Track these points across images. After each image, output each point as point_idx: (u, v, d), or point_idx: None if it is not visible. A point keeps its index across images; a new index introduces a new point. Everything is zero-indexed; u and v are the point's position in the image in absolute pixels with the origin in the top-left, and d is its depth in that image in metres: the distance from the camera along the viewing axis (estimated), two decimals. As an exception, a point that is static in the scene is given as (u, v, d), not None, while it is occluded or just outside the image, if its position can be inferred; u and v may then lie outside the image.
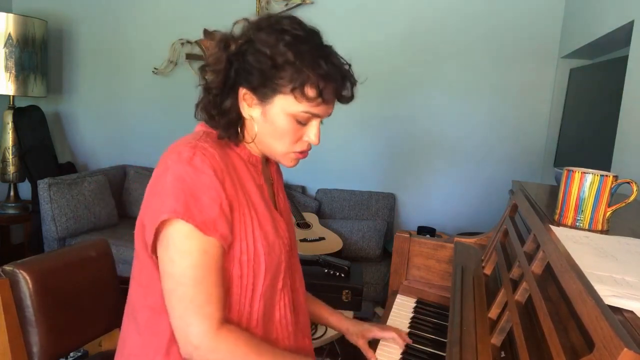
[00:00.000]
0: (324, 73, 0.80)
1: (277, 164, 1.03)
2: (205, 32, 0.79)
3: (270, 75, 0.80)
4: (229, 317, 0.83)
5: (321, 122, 0.88)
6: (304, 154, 0.89)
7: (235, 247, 0.81)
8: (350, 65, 0.87)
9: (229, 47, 0.83)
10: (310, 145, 0.89)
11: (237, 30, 0.84)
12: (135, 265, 0.87)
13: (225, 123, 0.84)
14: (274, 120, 0.83)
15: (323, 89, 0.80)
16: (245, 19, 0.84)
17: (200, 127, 0.89)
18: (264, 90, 0.81)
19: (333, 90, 0.83)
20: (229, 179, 0.80)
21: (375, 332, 1.09)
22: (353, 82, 0.87)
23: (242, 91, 0.83)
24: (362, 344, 1.08)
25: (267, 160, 0.98)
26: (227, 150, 0.86)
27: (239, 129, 0.87)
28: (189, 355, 0.77)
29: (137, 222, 0.83)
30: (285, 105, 0.82)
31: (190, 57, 3.11)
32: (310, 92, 0.80)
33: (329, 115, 0.88)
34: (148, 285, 0.84)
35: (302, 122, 0.84)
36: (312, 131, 0.87)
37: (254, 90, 0.82)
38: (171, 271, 0.77)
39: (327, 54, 0.82)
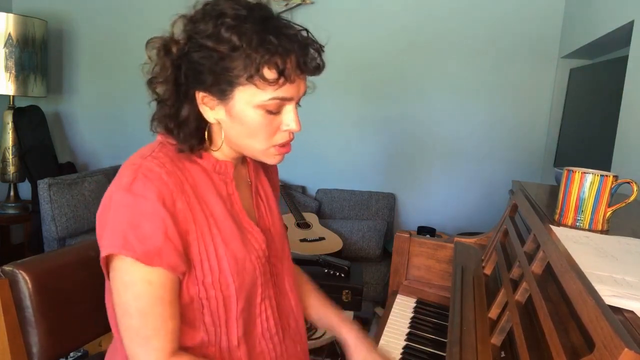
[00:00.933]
0: (278, 48, 0.70)
1: (254, 161, 0.92)
2: (147, 42, 0.72)
3: (221, 69, 0.71)
4: (208, 339, 0.79)
5: (298, 104, 0.79)
6: (286, 146, 0.80)
7: (197, 269, 0.76)
8: (307, 31, 0.76)
9: (171, 51, 0.74)
10: (293, 135, 0.79)
11: (178, 30, 0.75)
12: (106, 283, 0.84)
13: (186, 135, 0.76)
14: (241, 117, 0.74)
15: (283, 67, 0.70)
16: (182, 15, 0.75)
17: (160, 137, 0.80)
18: (220, 87, 0.72)
19: (295, 65, 0.72)
20: (183, 199, 0.73)
21: None
22: (317, 49, 0.76)
23: (199, 95, 0.75)
24: None
25: (243, 160, 0.90)
26: (185, 164, 0.77)
27: (205, 137, 0.78)
28: None
29: None
30: (248, 98, 0.73)
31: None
32: (270, 74, 0.70)
33: (303, 94, 0.79)
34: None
35: (274, 111, 0.75)
36: (288, 117, 0.77)
37: (209, 90, 0.73)
38: (117, 302, 0.74)
39: (275, 26, 0.72)
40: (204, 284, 0.76)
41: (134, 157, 0.76)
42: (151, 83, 0.78)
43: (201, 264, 0.76)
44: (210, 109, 0.76)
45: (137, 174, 0.71)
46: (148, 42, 0.77)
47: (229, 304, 0.79)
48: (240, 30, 0.70)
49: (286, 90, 0.74)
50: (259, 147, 0.78)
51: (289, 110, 0.77)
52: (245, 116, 0.74)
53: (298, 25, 0.76)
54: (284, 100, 0.75)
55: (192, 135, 0.77)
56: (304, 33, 0.76)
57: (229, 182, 0.83)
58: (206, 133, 0.79)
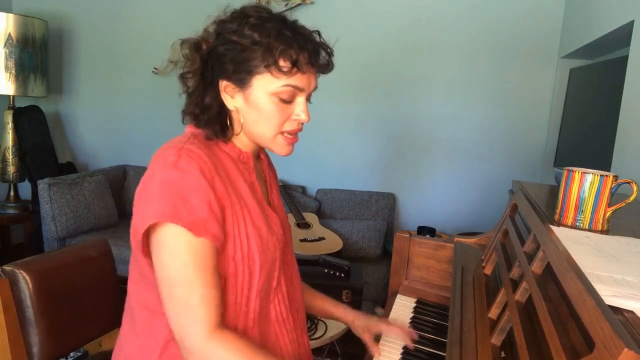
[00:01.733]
0: (293, 42, 0.80)
1: (268, 160, 1.03)
2: (182, 42, 0.83)
3: (241, 59, 0.80)
4: (226, 319, 0.82)
5: (309, 101, 0.88)
6: (294, 136, 0.89)
7: (229, 245, 0.81)
8: (320, 34, 0.87)
9: (201, 48, 0.85)
10: (301, 125, 0.88)
11: (210, 32, 0.86)
12: (132, 267, 0.87)
13: (209, 119, 0.85)
14: (257, 104, 0.83)
15: (296, 58, 0.80)
16: (214, 20, 0.86)
17: (189, 128, 0.89)
18: (240, 75, 0.82)
19: (307, 58, 0.82)
20: (218, 178, 0.80)
21: (381, 327, 1.08)
22: (328, 51, 0.87)
23: (222, 84, 0.84)
24: (368, 338, 1.07)
25: (258, 157, 0.98)
26: (215, 150, 0.86)
27: (226, 125, 0.87)
28: (186, 358, 0.77)
29: (131, 226, 0.82)
30: (264, 85, 0.82)
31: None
32: (284, 63, 0.80)
33: (313, 89, 0.88)
34: (144, 287, 0.84)
35: (287, 100, 0.84)
36: (299, 108, 0.86)
37: (231, 78, 0.82)
38: (164, 274, 0.77)
39: (293, 26, 0.83)
40: (234, 259, 0.82)
41: (171, 143, 0.83)
42: (182, 77, 0.88)
43: (233, 239, 0.82)
44: (231, 97, 0.85)
45: (181, 153, 0.78)
46: (183, 42, 0.87)
47: (252, 280, 0.84)
48: (262, 28, 0.80)
49: (298, 80, 0.82)
50: (270, 134, 0.86)
51: (300, 102, 0.85)
52: (260, 103, 0.83)
53: (312, 29, 0.86)
54: (296, 89, 0.83)
55: (214, 119, 0.85)
56: (317, 35, 0.86)
57: (251, 171, 0.91)
58: (228, 121, 0.87)
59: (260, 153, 0.98)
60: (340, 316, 1.12)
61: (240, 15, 0.82)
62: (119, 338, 0.92)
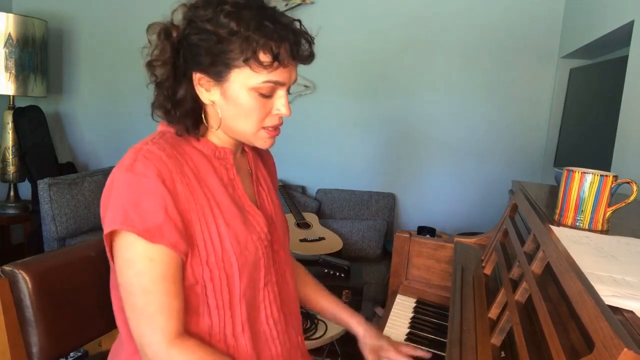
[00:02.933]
0: (274, 34, 0.74)
1: (253, 153, 0.96)
2: (148, 26, 0.77)
3: (218, 51, 0.74)
4: (213, 326, 0.80)
5: (289, 92, 0.82)
6: (276, 130, 0.83)
7: (200, 249, 0.77)
8: (300, 22, 0.81)
9: (171, 35, 0.78)
10: (282, 120, 0.83)
11: (177, 18, 0.79)
12: (111, 272, 0.85)
13: (182, 114, 0.80)
14: (236, 99, 0.78)
15: (277, 51, 0.75)
16: (183, 4, 0.79)
17: (160, 126, 0.85)
18: (217, 68, 0.76)
19: (288, 51, 0.77)
20: (182, 180, 0.76)
21: (391, 353, 1.00)
22: (309, 40, 0.81)
23: (196, 76, 0.78)
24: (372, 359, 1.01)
25: (243, 151, 0.93)
26: (185, 148, 0.81)
27: (201, 120, 0.82)
28: None
29: None
30: (243, 80, 0.76)
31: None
32: (265, 57, 0.74)
33: (294, 81, 0.82)
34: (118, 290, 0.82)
35: (267, 95, 0.78)
36: (279, 102, 0.80)
37: (206, 71, 0.77)
38: (120, 281, 0.75)
39: (272, 14, 0.77)
40: (208, 263, 0.78)
41: (136, 144, 0.79)
42: (150, 65, 0.81)
43: (204, 243, 0.78)
44: (206, 90, 0.80)
45: (138, 156, 0.74)
46: (149, 27, 0.80)
47: (232, 283, 0.80)
48: (239, 16, 0.74)
49: (279, 75, 0.77)
50: (250, 130, 0.81)
51: (280, 96, 0.81)
52: (239, 98, 0.78)
53: (292, 17, 0.80)
54: (277, 84, 0.79)
55: (188, 114, 0.80)
56: (297, 24, 0.80)
57: (230, 167, 0.86)
58: (203, 115, 0.83)
59: (244, 146, 0.92)
60: (352, 328, 1.05)
61: (214, 1, 0.75)
62: (118, 338, 0.92)
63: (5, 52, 2.85)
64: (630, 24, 1.82)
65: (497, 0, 2.87)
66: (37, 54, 2.99)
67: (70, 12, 3.38)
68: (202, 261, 0.78)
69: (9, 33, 2.85)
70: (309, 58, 0.82)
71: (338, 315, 1.08)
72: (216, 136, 0.85)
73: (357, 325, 1.05)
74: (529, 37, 2.85)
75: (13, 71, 2.88)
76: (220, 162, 0.85)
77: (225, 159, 0.86)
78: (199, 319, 0.80)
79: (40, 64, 3.03)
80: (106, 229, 0.73)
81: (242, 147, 0.92)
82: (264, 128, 0.82)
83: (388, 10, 3.00)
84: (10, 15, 2.87)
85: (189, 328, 0.79)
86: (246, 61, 0.74)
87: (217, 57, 0.75)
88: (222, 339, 0.81)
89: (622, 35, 2.00)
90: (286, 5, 2.98)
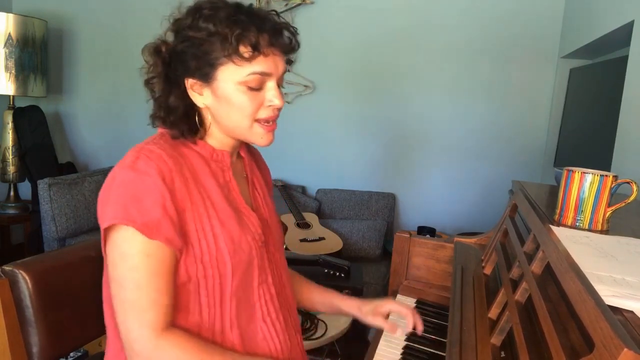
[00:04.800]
0: (250, 25, 0.77)
1: (250, 158, 0.99)
2: (142, 49, 0.81)
3: (201, 53, 0.78)
4: (202, 321, 0.81)
5: (281, 86, 0.85)
6: (270, 123, 0.85)
7: (195, 247, 0.79)
8: (278, 14, 0.84)
9: (161, 51, 0.82)
10: (277, 112, 0.85)
11: (168, 32, 0.84)
12: (104, 268, 0.86)
13: (174, 120, 0.83)
14: (226, 96, 0.81)
15: (255, 41, 0.77)
16: (167, 19, 0.84)
17: (160, 129, 0.88)
18: (203, 70, 0.79)
19: (267, 40, 0.79)
20: (180, 179, 0.78)
21: (389, 305, 1.04)
22: (290, 30, 0.84)
23: (188, 82, 0.81)
24: (381, 321, 1.03)
25: (238, 155, 0.95)
26: (182, 150, 0.83)
27: (195, 124, 0.85)
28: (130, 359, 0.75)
29: None
30: (229, 76, 0.79)
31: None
32: (245, 49, 0.77)
33: (282, 73, 0.84)
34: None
35: (256, 88, 0.81)
36: (270, 93, 0.83)
37: (194, 75, 0.80)
38: (113, 275, 0.76)
39: (248, 10, 0.80)
40: (202, 262, 0.80)
41: (140, 143, 0.81)
42: (148, 83, 0.86)
43: (199, 242, 0.79)
44: (199, 95, 0.83)
45: (140, 154, 0.77)
46: (142, 50, 0.85)
47: (224, 282, 0.82)
48: (215, 17, 0.78)
49: (262, 65, 0.80)
50: (245, 124, 0.83)
51: (270, 87, 0.83)
52: (229, 94, 0.81)
53: (270, 10, 0.84)
54: (263, 75, 0.81)
55: (181, 120, 0.83)
56: (274, 15, 0.83)
57: (226, 169, 0.88)
58: (197, 119, 0.85)
59: (240, 151, 0.95)
60: (346, 309, 1.07)
61: (194, 9, 0.80)
62: (107, 338, 0.92)
63: (5, 52, 2.85)
64: (630, 24, 1.82)
65: (497, 0, 2.87)
66: (37, 54, 2.99)
67: (70, 12, 3.38)
68: (197, 259, 0.79)
69: (9, 33, 2.85)
70: (290, 47, 0.84)
71: (330, 302, 1.09)
72: (214, 139, 0.87)
73: (350, 305, 1.07)
74: (529, 37, 2.85)
75: (13, 71, 2.88)
76: (217, 164, 0.87)
77: (222, 161, 0.88)
78: (188, 315, 0.81)
79: (40, 64, 3.03)
80: (105, 223, 0.74)
81: (237, 152, 0.94)
82: (257, 121, 0.83)
83: (387, 10, 3.00)
84: (10, 15, 2.87)
85: (177, 324, 0.80)
86: (228, 57, 0.78)
87: (201, 59, 0.79)
88: (210, 335, 0.82)
89: (622, 35, 2.00)
90: (286, 5, 2.98)
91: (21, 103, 3.16)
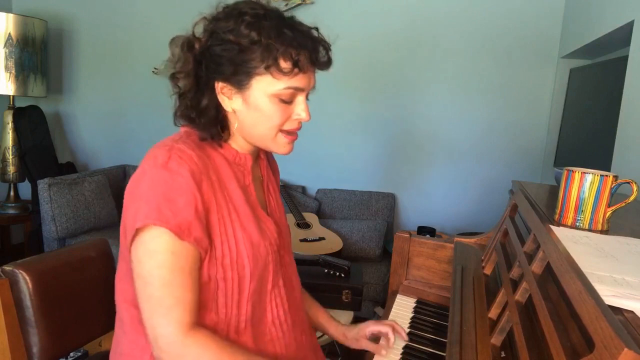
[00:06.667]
0: (293, 41, 0.78)
1: (267, 160, 1.00)
2: (171, 40, 0.80)
3: (240, 60, 0.78)
4: (218, 322, 0.82)
5: (307, 98, 0.86)
6: (293, 134, 0.86)
7: (217, 249, 0.80)
8: (318, 29, 0.84)
9: (194, 47, 0.81)
10: (301, 124, 0.86)
11: (199, 30, 0.82)
12: (120, 265, 0.87)
13: (206, 122, 0.82)
14: (257, 105, 0.81)
15: (297, 58, 0.78)
16: (204, 17, 0.82)
17: (183, 128, 0.87)
18: (239, 77, 0.79)
19: (307, 57, 0.80)
20: (207, 180, 0.79)
21: (370, 326, 1.07)
22: (326, 46, 0.84)
23: (219, 85, 0.81)
24: (366, 344, 1.06)
25: (258, 157, 0.96)
26: (208, 151, 0.84)
27: (225, 127, 0.85)
28: (158, 357, 0.76)
29: (122, 223, 0.82)
30: (264, 87, 0.79)
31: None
32: (285, 64, 0.78)
33: (312, 87, 0.86)
34: (131, 284, 0.83)
35: (287, 101, 0.82)
36: (299, 107, 0.84)
37: (228, 80, 0.80)
38: (139, 272, 0.76)
39: (291, 23, 0.80)
40: (223, 264, 0.81)
41: (164, 142, 0.81)
42: (173, 77, 0.85)
43: (221, 244, 0.80)
44: (228, 99, 0.82)
45: (172, 154, 0.76)
46: (172, 40, 0.83)
47: (242, 284, 0.83)
48: (259, 26, 0.77)
49: (299, 81, 0.81)
50: (270, 134, 0.84)
51: (300, 101, 0.84)
52: (260, 104, 0.81)
53: (310, 25, 0.84)
54: (297, 90, 0.82)
55: (212, 123, 0.83)
56: (315, 31, 0.84)
57: (247, 173, 0.89)
58: (226, 123, 0.86)
59: (260, 152, 0.96)
60: (332, 333, 1.11)
61: (235, 13, 0.79)
62: (114, 338, 0.92)
63: (5, 52, 2.85)
64: (630, 24, 1.82)
65: (498, 0, 2.87)
66: (37, 54, 2.99)
67: (70, 12, 3.38)
68: (218, 261, 0.80)
69: (9, 33, 2.85)
70: (327, 64, 0.85)
71: (317, 321, 1.12)
72: (237, 143, 0.88)
73: (336, 331, 1.11)
74: (529, 37, 2.85)
75: (13, 71, 2.88)
76: (238, 167, 0.88)
77: (244, 165, 0.89)
78: (206, 313, 0.82)
79: (40, 64, 3.03)
80: (138, 223, 0.74)
81: (257, 155, 0.95)
82: (281, 132, 0.84)
83: (388, 10, 3.00)
84: (10, 15, 2.87)
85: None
86: (267, 68, 0.78)
87: (239, 66, 0.78)
88: (225, 334, 0.83)
89: (622, 35, 2.00)
90: (286, 5, 2.98)
91: (21, 103, 3.16)
